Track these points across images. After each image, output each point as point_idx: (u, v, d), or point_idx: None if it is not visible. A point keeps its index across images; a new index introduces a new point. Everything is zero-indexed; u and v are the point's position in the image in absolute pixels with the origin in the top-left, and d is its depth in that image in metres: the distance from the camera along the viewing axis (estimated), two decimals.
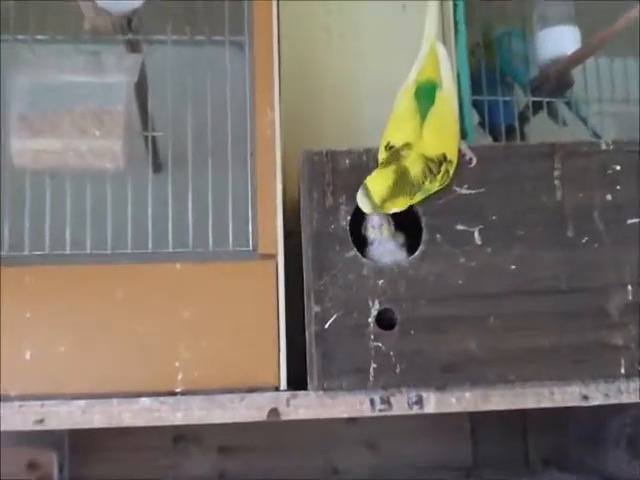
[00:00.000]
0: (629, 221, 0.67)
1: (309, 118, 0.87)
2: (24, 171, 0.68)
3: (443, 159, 0.61)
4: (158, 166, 0.82)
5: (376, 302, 0.64)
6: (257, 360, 0.66)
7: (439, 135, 0.62)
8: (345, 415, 0.66)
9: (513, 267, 0.65)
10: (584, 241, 0.66)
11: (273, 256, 0.68)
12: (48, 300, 0.66)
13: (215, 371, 0.66)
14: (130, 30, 0.74)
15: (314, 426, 0.79)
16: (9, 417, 0.63)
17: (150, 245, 0.68)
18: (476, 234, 0.66)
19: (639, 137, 0.68)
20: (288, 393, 0.66)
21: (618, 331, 0.65)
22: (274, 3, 0.72)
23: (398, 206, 0.61)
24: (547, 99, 0.86)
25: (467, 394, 0.66)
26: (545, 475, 0.97)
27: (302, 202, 0.66)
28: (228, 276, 0.67)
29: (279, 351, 0.66)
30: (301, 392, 0.65)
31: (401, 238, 0.67)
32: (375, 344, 0.63)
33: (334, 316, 0.64)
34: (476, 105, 0.84)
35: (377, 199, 0.59)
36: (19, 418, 0.63)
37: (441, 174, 0.61)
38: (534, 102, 0.86)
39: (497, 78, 0.85)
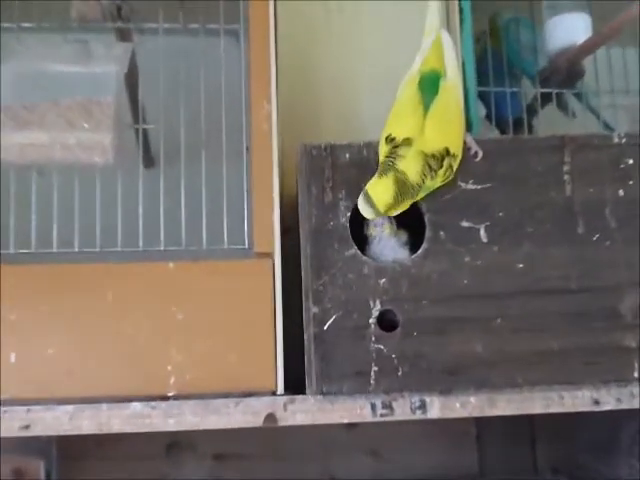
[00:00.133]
0: None
1: (307, 110, 0.87)
2: (9, 166, 0.68)
3: (445, 154, 0.61)
4: (149, 160, 0.82)
5: (377, 302, 0.64)
6: (253, 363, 0.66)
7: (442, 127, 0.62)
8: (345, 420, 0.66)
9: (521, 266, 0.65)
10: (595, 238, 0.66)
11: (270, 254, 0.68)
12: (34, 301, 0.66)
13: (209, 375, 0.65)
14: (120, 18, 0.74)
15: (313, 432, 0.79)
16: None
17: (141, 243, 0.68)
18: (482, 231, 0.65)
19: None
20: (285, 397, 0.66)
21: (631, 332, 0.65)
22: None
23: (400, 210, 0.61)
24: (556, 90, 0.86)
25: (472, 399, 0.66)
26: None
27: (300, 198, 0.66)
28: (223, 275, 0.67)
29: (276, 354, 0.66)
30: (299, 396, 0.65)
31: (404, 236, 0.67)
32: (376, 346, 0.63)
33: (333, 317, 0.64)
34: (482, 96, 0.84)
35: (381, 207, 0.59)
36: (4, 424, 0.63)
37: (444, 169, 0.61)
38: (543, 93, 0.86)
39: (504, 68, 0.85)
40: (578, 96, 0.88)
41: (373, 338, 0.63)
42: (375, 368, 0.63)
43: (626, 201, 0.67)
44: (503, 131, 0.86)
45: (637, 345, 0.65)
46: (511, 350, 0.64)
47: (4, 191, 0.68)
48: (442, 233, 0.65)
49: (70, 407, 0.64)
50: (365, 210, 0.60)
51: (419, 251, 0.65)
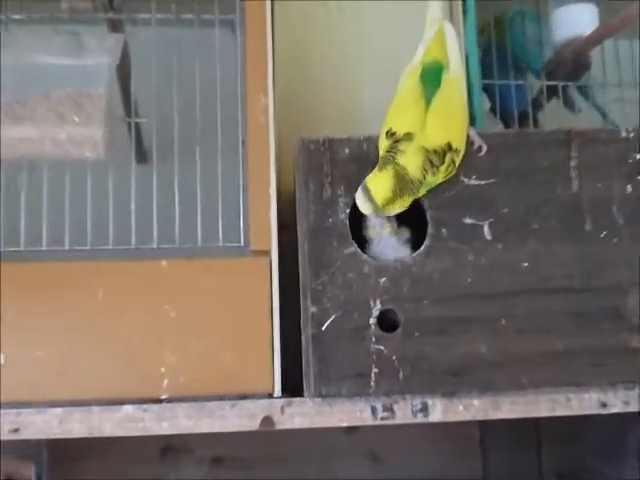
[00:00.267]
0: None
1: (305, 103, 0.86)
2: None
3: (447, 149, 0.61)
4: (142, 155, 0.82)
5: (377, 302, 0.64)
6: (249, 365, 0.66)
7: (444, 121, 0.61)
8: (344, 424, 0.66)
9: (526, 264, 0.65)
10: (602, 236, 0.66)
11: (266, 252, 0.68)
12: (23, 300, 0.65)
13: (203, 376, 0.65)
14: (112, 9, 0.74)
15: (312, 435, 0.79)
16: None
17: (133, 241, 0.68)
18: (486, 228, 0.65)
19: None
20: (283, 400, 0.65)
21: (639, 334, 0.64)
22: None
23: (400, 207, 0.61)
24: (562, 83, 0.86)
25: (476, 401, 0.66)
26: None
27: (298, 194, 0.66)
28: (218, 274, 0.67)
29: (273, 355, 0.66)
30: (297, 399, 0.65)
31: (405, 233, 0.66)
32: (376, 347, 0.63)
33: (332, 317, 0.63)
34: (486, 89, 0.84)
35: (379, 201, 0.59)
36: None
37: (446, 164, 0.61)
38: (548, 86, 0.86)
39: (509, 60, 0.85)
40: (583, 92, 0.88)
41: (373, 339, 0.63)
42: (375, 370, 0.63)
43: (634, 197, 0.66)
44: (508, 125, 0.86)
45: None
46: (516, 351, 0.64)
47: None
48: (444, 230, 0.65)
49: (60, 410, 0.64)
50: (363, 205, 0.60)
51: (421, 249, 0.65)
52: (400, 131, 0.60)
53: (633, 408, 0.66)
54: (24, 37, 0.71)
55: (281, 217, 0.69)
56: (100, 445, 0.91)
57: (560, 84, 0.86)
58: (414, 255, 0.65)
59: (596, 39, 0.82)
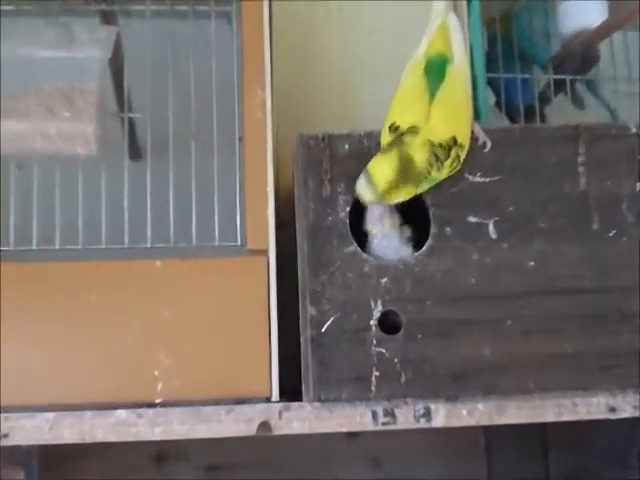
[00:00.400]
0: None
1: (304, 98, 0.86)
2: None
3: (453, 143, 0.61)
4: (135, 152, 0.82)
5: (379, 303, 0.64)
6: (246, 368, 0.66)
7: (449, 115, 0.61)
8: (344, 429, 0.66)
9: (532, 264, 0.65)
10: (611, 235, 0.66)
11: (264, 252, 0.68)
12: (12, 302, 0.65)
13: (199, 380, 0.65)
14: (104, 0, 0.73)
15: (312, 441, 0.79)
16: None
17: (127, 240, 0.68)
18: (490, 227, 0.65)
19: None
20: (280, 405, 0.65)
21: None
22: None
23: (402, 196, 0.61)
24: (570, 77, 0.85)
25: (480, 406, 0.66)
26: None
27: (296, 192, 0.66)
28: (214, 274, 0.67)
29: (270, 358, 0.66)
30: (295, 403, 0.65)
31: (407, 231, 0.66)
32: (377, 350, 0.63)
33: (332, 319, 0.63)
34: (491, 83, 0.84)
35: (380, 186, 0.59)
36: None
37: (450, 160, 0.61)
38: (556, 80, 0.86)
39: (515, 53, 0.85)
40: (590, 86, 0.88)
41: (374, 341, 0.63)
42: (376, 373, 0.63)
43: None
44: (513, 120, 0.86)
45: None
46: (521, 354, 0.64)
47: None
48: (448, 229, 0.65)
49: (51, 415, 0.64)
50: (364, 190, 0.60)
51: (423, 248, 0.65)
52: (404, 125, 0.60)
53: None
54: (14, 29, 0.71)
55: (279, 215, 0.69)
56: (92, 451, 0.91)
57: (568, 78, 0.86)
58: (416, 254, 0.65)
59: (605, 31, 0.82)
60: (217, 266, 0.67)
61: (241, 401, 0.65)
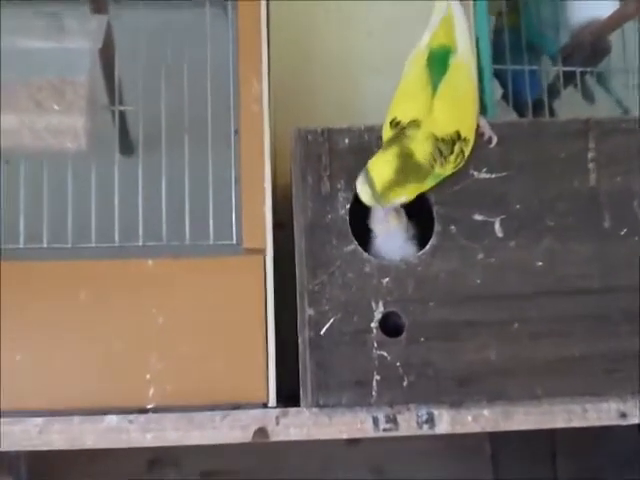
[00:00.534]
0: None
1: (303, 90, 0.86)
2: None
3: (457, 137, 0.60)
4: (127, 146, 0.81)
5: (380, 304, 0.64)
6: (242, 372, 0.66)
7: (452, 108, 0.61)
8: (344, 436, 0.65)
9: (540, 264, 0.65)
10: (622, 233, 0.66)
11: (260, 251, 0.68)
12: None
13: (192, 385, 0.65)
14: None
15: (311, 448, 0.79)
16: None
17: (117, 238, 0.68)
18: (497, 225, 0.65)
19: None
20: (278, 410, 0.65)
21: None
22: None
23: (404, 195, 0.60)
24: (580, 69, 0.85)
25: (486, 412, 0.65)
26: None
27: (294, 188, 0.66)
28: (208, 274, 0.67)
29: (267, 361, 0.66)
30: (293, 409, 0.65)
31: (411, 229, 0.66)
32: (379, 353, 0.63)
33: (331, 320, 0.63)
34: (498, 75, 0.83)
35: (378, 186, 0.58)
36: None
37: (454, 155, 0.61)
38: (565, 72, 0.86)
39: (523, 44, 0.85)
40: (600, 79, 0.87)
41: (375, 344, 0.63)
42: (377, 377, 0.63)
43: None
44: (521, 114, 0.86)
45: None
46: (529, 357, 0.64)
47: None
48: (452, 227, 0.65)
49: (39, 420, 0.64)
50: (362, 190, 0.59)
51: (427, 247, 0.65)
52: (405, 120, 0.60)
53: None
54: (1, 19, 0.71)
55: (277, 213, 0.69)
56: (82, 458, 0.91)
57: (578, 70, 0.86)
58: (420, 254, 0.65)
59: (616, 22, 0.82)
60: (211, 266, 0.67)
61: (236, 406, 0.65)
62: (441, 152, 0.60)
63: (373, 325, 0.63)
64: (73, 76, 0.68)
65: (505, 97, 0.86)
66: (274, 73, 0.72)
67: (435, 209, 0.65)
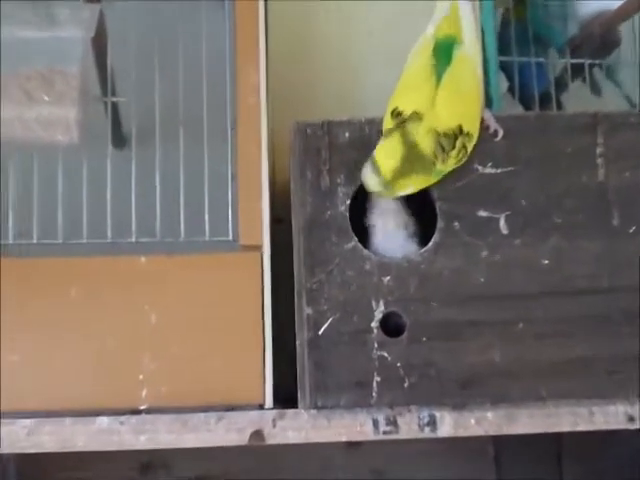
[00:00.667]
0: None
1: (301, 83, 0.86)
2: None
3: (459, 132, 0.60)
4: (120, 139, 0.81)
5: (381, 303, 0.63)
6: (238, 373, 0.66)
7: (455, 101, 0.61)
8: (343, 438, 0.65)
9: (546, 262, 0.65)
10: (632, 231, 0.66)
11: (257, 247, 0.68)
12: None
13: (187, 386, 0.65)
14: None
15: (309, 450, 0.79)
16: None
17: (109, 234, 0.68)
18: (502, 222, 0.65)
19: None
20: (274, 412, 0.65)
21: None
22: None
23: (411, 186, 0.60)
24: (589, 61, 0.85)
25: (489, 414, 0.66)
26: None
27: (293, 183, 0.66)
28: (203, 271, 0.67)
29: (264, 362, 0.66)
30: (290, 411, 0.65)
31: (411, 227, 0.66)
32: (379, 353, 0.63)
33: (330, 320, 0.63)
34: (504, 68, 0.83)
35: (386, 174, 0.58)
36: None
37: (456, 150, 0.61)
38: (573, 65, 0.85)
39: (529, 35, 0.84)
40: (608, 72, 0.87)
41: (376, 344, 0.63)
42: (378, 379, 0.63)
43: None
44: (528, 107, 0.86)
45: None
46: (534, 359, 0.64)
47: None
48: (456, 224, 0.65)
49: (28, 421, 0.64)
50: (369, 179, 0.59)
51: (429, 245, 0.65)
52: (407, 110, 0.60)
53: None
54: None
55: (274, 209, 0.69)
56: (73, 461, 0.91)
57: (586, 62, 0.85)
58: (422, 251, 0.64)
59: (626, 12, 0.82)
60: (207, 263, 0.67)
61: (232, 408, 0.65)
62: (443, 148, 0.60)
63: (373, 325, 0.63)
64: (64, 66, 0.68)
65: (511, 90, 0.86)
66: (272, 64, 0.73)
67: (438, 205, 0.65)
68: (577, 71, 0.87)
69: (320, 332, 0.63)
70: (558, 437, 0.99)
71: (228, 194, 0.69)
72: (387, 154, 0.59)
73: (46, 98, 0.67)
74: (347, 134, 0.65)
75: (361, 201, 0.65)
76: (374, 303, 0.63)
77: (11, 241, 0.67)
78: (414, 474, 0.99)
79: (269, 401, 0.66)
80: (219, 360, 0.65)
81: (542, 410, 0.66)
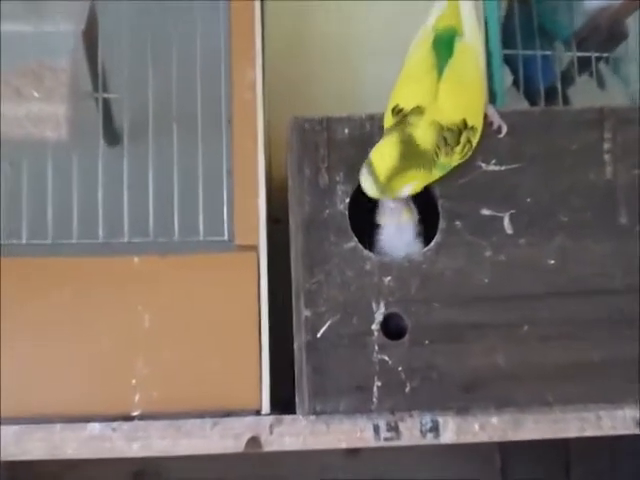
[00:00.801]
0: None
1: (299, 78, 0.86)
2: None
3: (463, 126, 0.60)
4: (112, 136, 0.81)
5: (381, 305, 0.64)
6: (233, 377, 0.66)
7: (458, 95, 0.61)
8: (343, 445, 0.65)
9: (552, 262, 0.65)
10: None
11: (254, 247, 0.68)
12: None
13: (181, 390, 0.65)
14: None
15: (308, 457, 0.79)
16: None
17: (101, 234, 0.68)
18: (506, 221, 0.65)
19: None
20: (272, 418, 0.65)
21: None
22: None
23: (408, 184, 0.60)
24: (596, 54, 0.85)
25: (494, 419, 0.66)
26: None
27: (290, 181, 0.66)
28: (198, 272, 0.67)
29: (261, 366, 0.66)
30: (288, 417, 0.65)
31: (417, 226, 0.66)
32: (380, 357, 0.63)
33: (329, 322, 0.63)
34: (509, 61, 0.83)
35: (381, 176, 0.58)
36: None
37: (461, 145, 0.61)
38: (580, 58, 0.85)
39: (535, 27, 0.85)
40: (615, 66, 0.87)
41: (376, 347, 0.63)
42: (378, 383, 0.63)
43: None
44: (533, 101, 0.86)
45: None
46: (540, 362, 0.64)
47: None
48: (458, 223, 0.65)
49: (17, 428, 0.64)
50: (365, 182, 0.59)
51: (431, 244, 0.65)
52: (408, 106, 0.60)
53: None
54: None
55: (272, 208, 0.70)
56: (63, 468, 0.91)
57: (593, 55, 0.85)
58: (424, 251, 0.65)
59: (634, 5, 0.82)
60: (202, 263, 0.67)
61: (228, 414, 0.65)
62: (446, 141, 0.60)
63: (374, 327, 0.63)
64: (55, 61, 0.68)
65: (516, 84, 0.86)
66: (269, 59, 0.73)
67: (440, 203, 0.65)
68: (584, 64, 0.87)
69: (319, 335, 0.63)
70: (566, 443, 0.99)
71: (223, 192, 0.69)
72: (383, 154, 0.59)
73: (36, 94, 0.67)
74: (346, 130, 0.65)
75: (361, 199, 0.64)
76: (374, 304, 0.63)
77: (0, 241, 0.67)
78: None
79: (266, 406, 0.66)
80: (214, 364, 0.65)
81: (548, 415, 0.66)
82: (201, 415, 0.65)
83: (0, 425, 0.63)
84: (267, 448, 0.65)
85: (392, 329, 0.64)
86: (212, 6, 0.72)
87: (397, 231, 0.65)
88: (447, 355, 0.63)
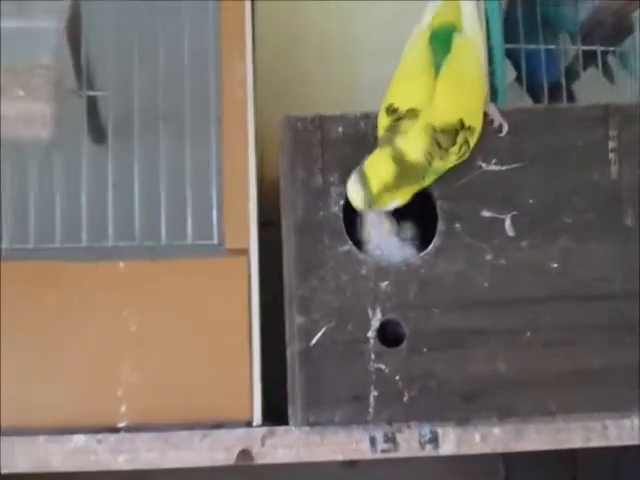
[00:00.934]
0: None
1: (292, 75, 0.86)
2: None
3: (460, 127, 0.60)
4: (97, 135, 0.81)
5: (378, 311, 0.64)
6: (224, 387, 0.66)
7: (455, 93, 0.61)
8: (338, 457, 0.66)
9: (555, 265, 0.65)
10: None
11: (244, 251, 0.68)
12: None
13: (169, 401, 0.65)
14: None
15: (303, 469, 0.78)
16: None
17: (85, 237, 0.68)
18: (507, 223, 0.65)
19: None
20: (263, 429, 0.66)
21: None
22: None
23: (398, 198, 0.60)
24: (602, 48, 0.85)
25: (496, 430, 0.66)
26: None
27: (283, 182, 0.66)
28: (186, 277, 0.67)
29: (252, 375, 0.66)
30: (280, 428, 0.65)
31: (408, 231, 0.66)
32: (376, 365, 0.63)
33: (323, 329, 0.63)
34: (511, 55, 0.84)
35: (374, 188, 0.58)
36: None
37: (458, 146, 0.60)
38: (585, 52, 0.85)
39: (538, 21, 0.85)
40: (622, 60, 0.87)
41: (372, 355, 0.63)
42: (375, 392, 0.63)
43: None
44: (536, 98, 0.86)
45: None
46: (542, 369, 0.64)
47: None
48: (458, 225, 0.65)
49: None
50: (354, 192, 0.59)
51: (430, 247, 0.65)
52: (403, 107, 0.60)
53: None
54: None
55: (263, 210, 0.69)
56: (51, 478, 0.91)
57: (599, 49, 0.86)
58: (422, 254, 0.65)
59: (634, 5, 0.83)
60: (190, 268, 0.67)
61: (218, 425, 0.65)
62: (439, 145, 0.59)
63: (370, 334, 0.63)
64: (38, 59, 0.68)
65: (519, 80, 0.86)
66: (261, 56, 0.73)
67: (439, 204, 0.65)
68: (589, 59, 0.87)
69: (312, 342, 0.63)
70: (573, 453, 0.99)
71: (212, 194, 0.69)
72: (379, 168, 0.58)
73: (20, 92, 0.67)
74: (341, 129, 0.65)
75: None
76: (371, 311, 0.63)
77: None
78: None
79: (257, 417, 0.66)
80: (203, 373, 0.66)
81: (552, 425, 0.66)
82: (190, 427, 0.65)
83: None
84: (259, 461, 0.65)
85: (389, 336, 0.64)
86: (202, 5, 0.72)
87: (380, 243, 0.65)
88: (446, 363, 0.63)
